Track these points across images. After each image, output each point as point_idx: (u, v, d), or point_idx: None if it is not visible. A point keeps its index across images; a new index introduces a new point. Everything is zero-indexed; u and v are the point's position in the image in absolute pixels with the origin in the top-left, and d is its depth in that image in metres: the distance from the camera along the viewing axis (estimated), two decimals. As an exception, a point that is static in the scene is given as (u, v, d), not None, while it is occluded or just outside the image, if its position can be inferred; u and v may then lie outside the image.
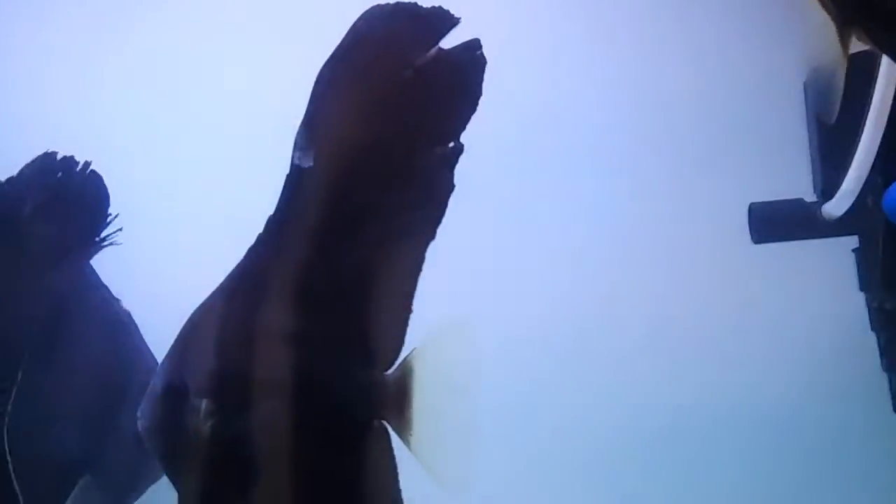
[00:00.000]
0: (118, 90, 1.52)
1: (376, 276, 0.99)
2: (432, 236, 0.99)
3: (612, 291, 1.50)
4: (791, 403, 1.49)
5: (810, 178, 1.41)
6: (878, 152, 1.22)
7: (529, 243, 1.49)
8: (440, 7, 0.99)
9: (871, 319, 1.36)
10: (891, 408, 1.31)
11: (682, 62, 1.51)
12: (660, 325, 1.50)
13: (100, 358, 1.32)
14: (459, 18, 1.00)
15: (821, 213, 1.36)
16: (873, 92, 1.25)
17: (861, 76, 1.23)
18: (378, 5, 0.99)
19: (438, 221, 0.99)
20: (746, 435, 1.49)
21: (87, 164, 1.29)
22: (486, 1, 1.46)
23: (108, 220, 1.31)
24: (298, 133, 0.97)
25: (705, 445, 1.49)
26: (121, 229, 1.30)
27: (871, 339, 1.34)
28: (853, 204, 1.32)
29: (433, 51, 1.00)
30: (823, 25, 1.23)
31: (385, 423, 1.00)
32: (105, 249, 1.30)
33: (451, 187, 0.99)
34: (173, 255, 1.46)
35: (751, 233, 1.40)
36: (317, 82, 0.98)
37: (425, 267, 1.10)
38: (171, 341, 0.99)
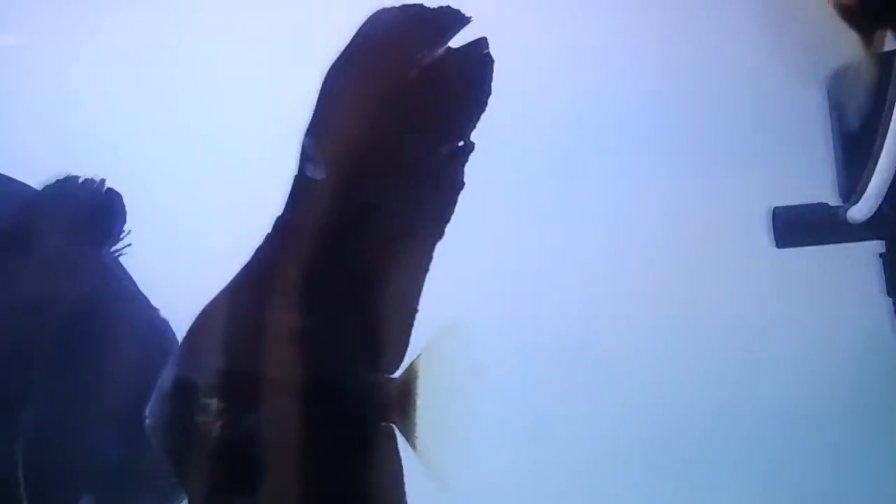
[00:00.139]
0: (117, 91, 1.52)
1: (383, 276, 0.99)
2: (440, 235, 0.99)
3: (632, 295, 1.49)
4: (815, 407, 1.47)
5: (834, 181, 1.39)
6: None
7: (546, 244, 1.49)
8: (448, 7, 0.99)
9: (897, 324, 1.34)
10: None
11: (704, 65, 1.50)
12: (680, 330, 1.49)
13: (126, 369, 1.32)
14: (470, 18, 1.00)
15: (845, 217, 1.35)
16: (894, 93, 1.24)
17: (882, 78, 1.23)
18: (384, 8, 0.99)
19: (446, 220, 0.99)
20: (768, 438, 1.47)
21: (102, 181, 1.30)
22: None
23: (122, 236, 1.32)
24: (306, 139, 0.97)
25: (725, 448, 1.47)
26: (130, 245, 1.31)
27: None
28: (879, 207, 1.30)
29: (441, 50, 1.00)
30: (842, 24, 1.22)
31: (392, 425, 1.00)
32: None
33: (461, 185, 0.99)
34: (177, 257, 1.46)
35: (774, 237, 1.38)
36: (323, 85, 0.99)
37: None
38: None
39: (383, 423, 1.00)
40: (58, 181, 1.30)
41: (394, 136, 1.00)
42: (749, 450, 1.47)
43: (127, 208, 1.28)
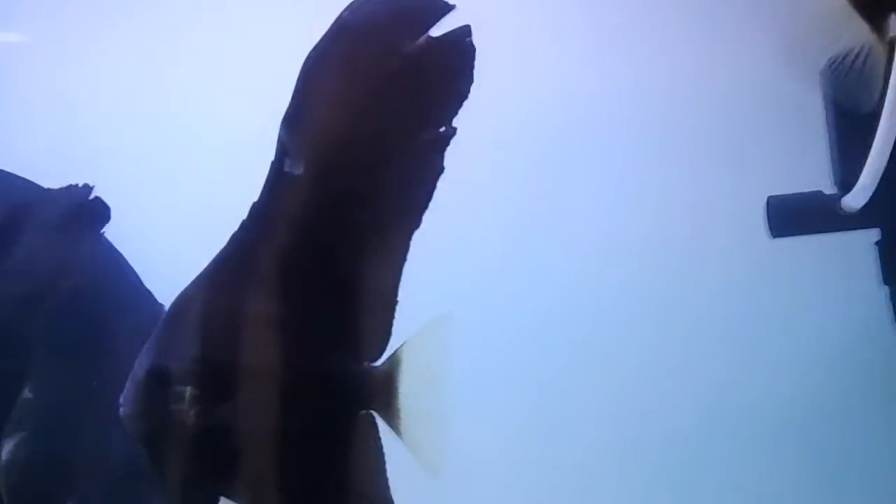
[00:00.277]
0: (118, 90, 1.52)
1: (361, 265, 0.98)
2: (417, 224, 0.98)
3: (627, 286, 1.47)
4: (812, 399, 1.45)
5: (829, 169, 1.38)
6: (896, 143, 1.19)
7: (542, 238, 1.48)
8: (431, -6, 0.98)
9: (894, 314, 1.32)
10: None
11: (696, 55, 1.48)
12: (675, 323, 1.48)
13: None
14: (453, 5, 0.99)
15: (840, 205, 1.33)
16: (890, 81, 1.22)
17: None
18: (364, -5, 0.98)
19: (424, 208, 0.98)
20: (766, 430, 1.45)
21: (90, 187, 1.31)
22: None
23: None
24: (284, 133, 0.96)
25: (720, 442, 1.46)
26: None
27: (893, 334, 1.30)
28: (874, 196, 1.29)
29: (422, 39, 0.99)
30: (843, 12, 1.21)
31: (373, 413, 0.99)
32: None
33: (440, 170, 0.98)
34: (181, 257, 1.45)
35: (769, 227, 1.36)
36: (301, 74, 0.98)
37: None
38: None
39: (364, 412, 0.99)
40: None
41: (374, 126, 0.99)
42: (747, 443, 1.46)
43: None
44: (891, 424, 1.44)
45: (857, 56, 1.38)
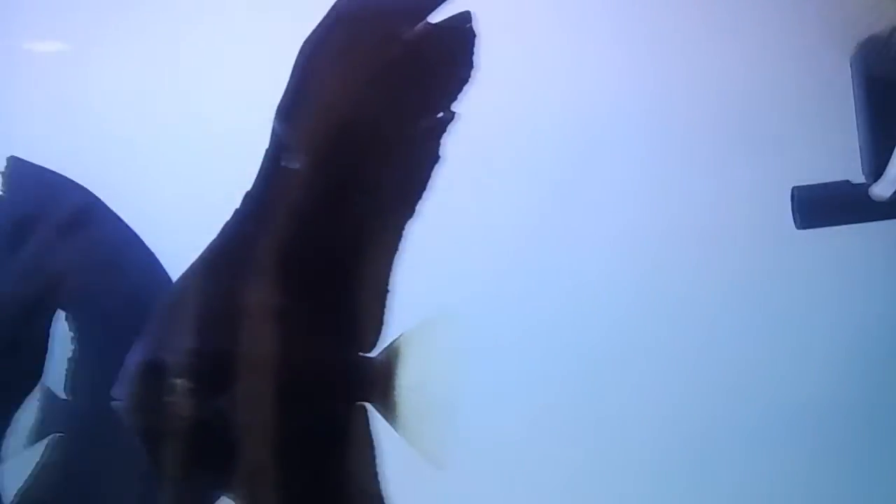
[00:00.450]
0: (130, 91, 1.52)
1: (355, 254, 0.97)
2: (412, 213, 0.96)
3: (644, 283, 1.44)
4: (838, 394, 1.40)
5: (857, 158, 1.34)
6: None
7: (557, 236, 1.45)
8: (430, -20, 0.96)
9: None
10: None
11: (723, 40, 1.44)
12: (698, 313, 1.44)
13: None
14: None
15: (869, 194, 1.29)
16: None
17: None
18: (363, -18, 0.97)
19: (419, 197, 0.96)
20: (786, 427, 1.41)
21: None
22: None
23: None
24: (280, 125, 0.95)
25: (739, 441, 1.42)
26: None
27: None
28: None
29: (421, 25, 0.97)
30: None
31: (368, 405, 0.98)
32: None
33: (437, 158, 0.96)
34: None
35: (795, 218, 1.33)
36: (297, 62, 0.96)
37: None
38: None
39: (358, 403, 0.98)
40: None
41: (372, 115, 0.98)
42: (767, 441, 1.41)
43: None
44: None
45: (885, 40, 1.35)
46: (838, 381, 1.41)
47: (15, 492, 1.23)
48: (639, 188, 1.46)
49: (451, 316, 1.00)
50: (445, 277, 1.35)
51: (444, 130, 0.96)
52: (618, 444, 1.42)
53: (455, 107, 0.97)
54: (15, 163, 1.28)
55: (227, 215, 0.96)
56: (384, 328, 0.98)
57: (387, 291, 0.96)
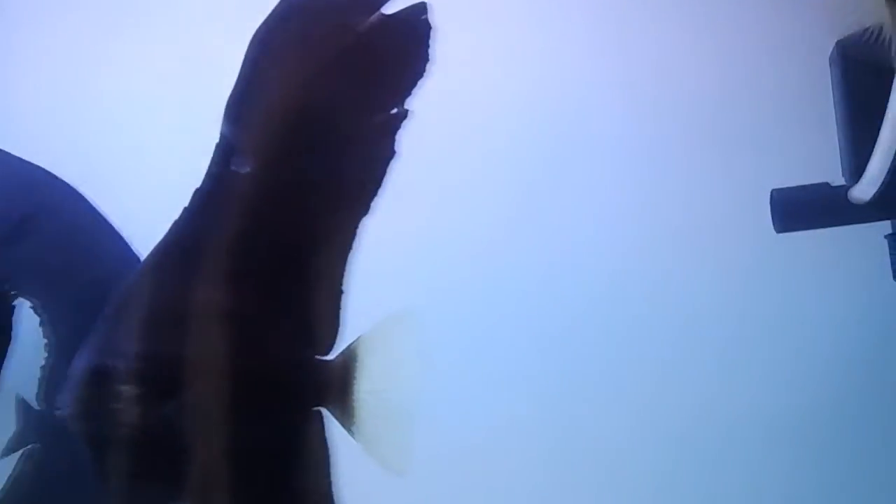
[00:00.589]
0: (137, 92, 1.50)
1: (309, 253, 0.94)
2: (366, 210, 0.93)
3: (620, 283, 1.41)
4: (818, 399, 1.38)
5: (837, 159, 1.31)
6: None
7: (528, 234, 1.42)
8: (384, -30, 0.94)
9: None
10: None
11: (702, 41, 1.42)
12: (669, 320, 1.41)
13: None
14: None
15: (848, 197, 1.26)
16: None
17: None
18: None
19: (374, 194, 0.93)
20: (767, 432, 1.38)
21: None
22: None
23: None
24: (228, 128, 0.92)
25: (726, 442, 1.39)
26: None
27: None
28: (884, 186, 1.22)
29: (374, 16, 0.95)
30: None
31: (323, 409, 0.94)
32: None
33: (392, 154, 0.93)
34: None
35: (773, 221, 1.30)
36: (247, 57, 0.94)
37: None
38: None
39: (314, 408, 0.94)
40: None
41: (325, 110, 0.95)
42: (747, 444, 1.39)
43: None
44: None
45: (870, 35, 1.33)
46: (817, 385, 1.39)
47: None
48: (611, 191, 1.43)
49: (411, 317, 0.97)
50: (406, 278, 1.33)
51: (398, 126, 0.94)
52: (587, 450, 1.39)
53: (410, 102, 0.94)
54: None
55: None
56: (340, 330, 0.94)
57: (341, 292, 0.93)
